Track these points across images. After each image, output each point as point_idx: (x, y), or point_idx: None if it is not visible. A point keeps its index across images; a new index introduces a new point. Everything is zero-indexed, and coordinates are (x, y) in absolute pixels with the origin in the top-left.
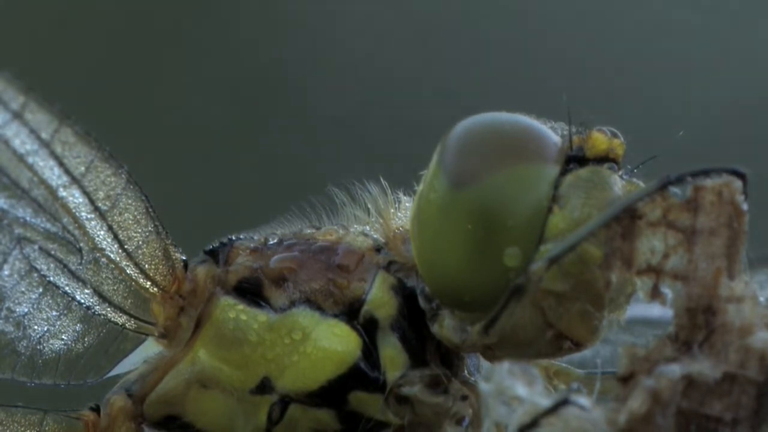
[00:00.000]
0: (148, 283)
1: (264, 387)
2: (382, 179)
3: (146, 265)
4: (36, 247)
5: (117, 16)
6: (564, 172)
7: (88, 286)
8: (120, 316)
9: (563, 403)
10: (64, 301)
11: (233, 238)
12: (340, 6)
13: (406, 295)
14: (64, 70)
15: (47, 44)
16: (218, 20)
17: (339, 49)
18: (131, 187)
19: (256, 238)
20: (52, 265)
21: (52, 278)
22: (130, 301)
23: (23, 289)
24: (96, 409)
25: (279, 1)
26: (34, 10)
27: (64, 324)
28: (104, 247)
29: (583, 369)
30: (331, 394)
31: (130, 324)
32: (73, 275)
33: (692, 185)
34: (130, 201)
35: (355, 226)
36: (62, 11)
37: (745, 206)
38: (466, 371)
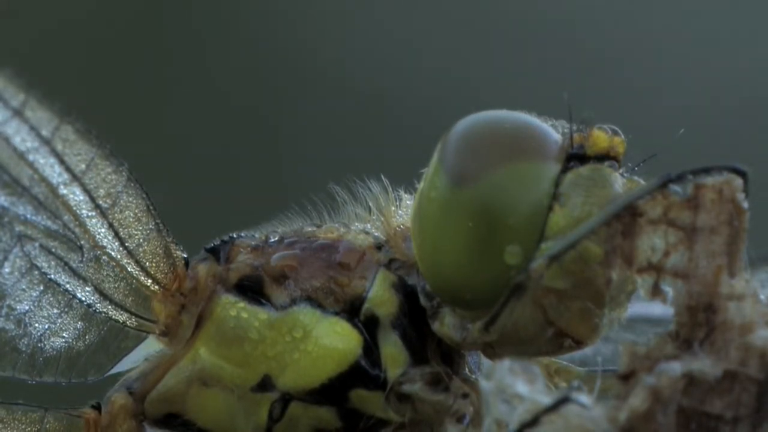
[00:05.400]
0: (149, 281)
1: (265, 385)
2: (383, 177)
3: (147, 263)
4: (36, 244)
5: (118, 14)
6: (565, 170)
7: (89, 284)
8: (121, 314)
9: (564, 400)
10: (65, 298)
11: (234, 236)
12: (339, 5)
13: (407, 293)
14: (64, 69)
15: (47, 40)
16: (218, 18)
17: (339, 48)
18: (132, 184)
19: (257, 236)
20: (52, 263)
21: (52, 276)
22: (131, 299)
23: (24, 287)
24: (97, 407)
25: (280, 1)
26: (36, 7)
27: (65, 322)
28: (105, 244)
29: (584, 367)
30: (332, 391)
31: (131, 322)
32: (74, 273)
33: (693, 183)
34: (130, 199)
35: (356, 224)
36: (63, 10)
37: (745, 204)
38: (466, 369)
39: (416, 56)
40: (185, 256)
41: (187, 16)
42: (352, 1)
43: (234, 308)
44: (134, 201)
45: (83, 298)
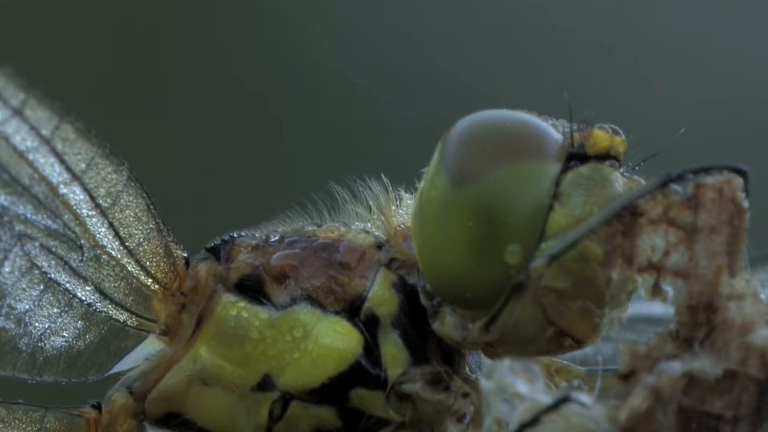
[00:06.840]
0: (150, 280)
1: (265, 384)
2: (383, 176)
3: (147, 263)
4: (37, 244)
5: (116, 15)
6: (565, 170)
7: (89, 284)
8: (121, 314)
9: (564, 400)
10: (65, 298)
11: (235, 235)
12: (339, 5)
13: (408, 293)
14: (66, 69)
15: (49, 38)
16: (218, 17)
17: (339, 47)
18: (132, 184)
19: (257, 235)
20: (53, 262)
21: (53, 275)
22: (131, 298)
23: (24, 286)
24: (97, 407)
25: (281, 1)
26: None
27: (66, 321)
28: (105, 244)
29: (584, 366)
30: (333, 391)
31: (132, 321)
32: (74, 272)
33: (693, 182)
34: (131, 198)
35: (357, 223)
36: (62, 9)
37: (746, 203)
38: (467, 368)
39: (417, 56)
40: (185, 255)
41: (189, 15)
42: (351, 1)
43: (234, 308)
44: (134, 200)
45: (83, 298)
